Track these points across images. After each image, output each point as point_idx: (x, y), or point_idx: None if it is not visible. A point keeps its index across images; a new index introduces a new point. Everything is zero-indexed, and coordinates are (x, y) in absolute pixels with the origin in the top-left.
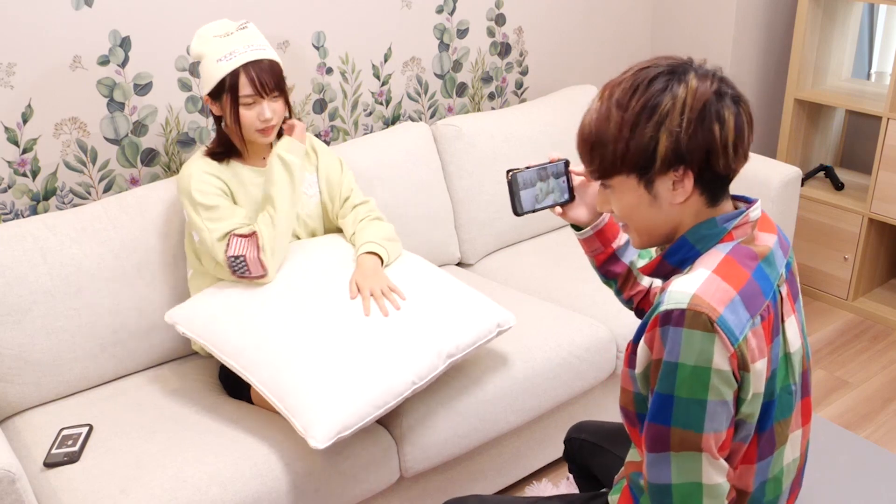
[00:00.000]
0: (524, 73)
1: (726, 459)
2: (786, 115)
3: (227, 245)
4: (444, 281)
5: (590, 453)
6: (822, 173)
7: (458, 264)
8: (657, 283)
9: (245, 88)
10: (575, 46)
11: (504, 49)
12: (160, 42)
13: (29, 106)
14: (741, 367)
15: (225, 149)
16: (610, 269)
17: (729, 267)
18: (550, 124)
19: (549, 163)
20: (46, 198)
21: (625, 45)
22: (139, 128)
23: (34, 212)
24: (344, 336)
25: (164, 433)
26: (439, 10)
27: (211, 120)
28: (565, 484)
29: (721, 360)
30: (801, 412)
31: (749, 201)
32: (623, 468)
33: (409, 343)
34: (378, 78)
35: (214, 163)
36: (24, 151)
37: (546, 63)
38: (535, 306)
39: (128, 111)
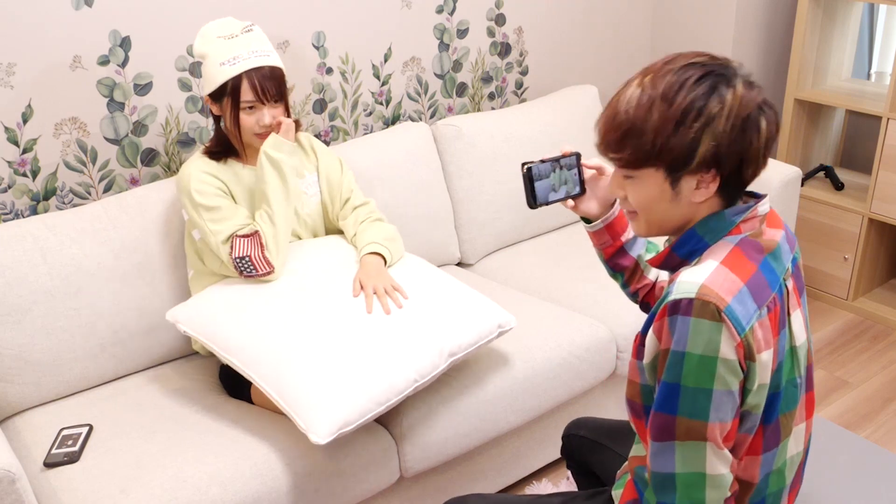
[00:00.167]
0: (524, 73)
1: (731, 451)
2: (786, 115)
3: (231, 247)
4: (446, 282)
5: (588, 450)
6: (822, 173)
7: (458, 264)
8: (663, 277)
9: (246, 94)
10: (575, 46)
11: (504, 49)
12: (160, 42)
13: (29, 106)
14: (747, 356)
15: (223, 148)
16: (618, 263)
17: (736, 259)
18: (550, 124)
19: (563, 156)
20: (46, 198)
21: (625, 45)
22: (139, 128)
23: (34, 212)
24: (346, 333)
25: (164, 433)
26: (439, 10)
27: (210, 120)
28: (565, 484)
29: (728, 350)
30: (805, 406)
31: (758, 196)
32: (626, 463)
33: (411, 341)
34: (378, 78)
35: (213, 162)
36: (24, 151)
37: (546, 63)
38: (535, 306)
39: (128, 111)
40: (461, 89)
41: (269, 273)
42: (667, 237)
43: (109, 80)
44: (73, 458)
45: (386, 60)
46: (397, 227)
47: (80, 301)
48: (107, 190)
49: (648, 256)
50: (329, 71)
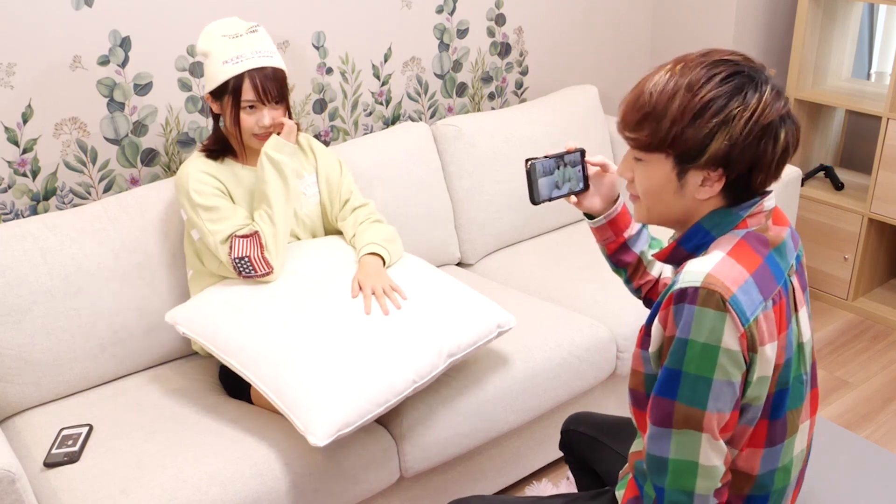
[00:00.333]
0: (524, 73)
1: (730, 441)
2: None
3: (230, 247)
4: (445, 282)
5: (587, 447)
6: (822, 173)
7: (458, 264)
8: (667, 273)
9: (248, 94)
10: (575, 46)
11: (504, 49)
12: (160, 42)
13: (29, 106)
14: (750, 348)
15: (221, 146)
16: (621, 259)
17: (742, 251)
18: (550, 124)
19: (567, 152)
20: (46, 198)
21: (625, 45)
22: (139, 128)
23: (34, 212)
24: (345, 334)
25: (164, 433)
26: (439, 10)
27: (210, 119)
28: (565, 484)
29: (731, 340)
30: (810, 403)
31: (763, 192)
32: (627, 463)
33: (410, 342)
34: (378, 78)
35: (211, 162)
36: (24, 151)
37: (546, 63)
38: (535, 306)
39: (128, 111)
40: (461, 89)
41: (267, 274)
42: (672, 234)
43: (109, 80)
44: (73, 458)
45: (386, 60)
46: (397, 228)
47: (80, 301)
48: (107, 190)
49: (652, 252)
50: (329, 71)
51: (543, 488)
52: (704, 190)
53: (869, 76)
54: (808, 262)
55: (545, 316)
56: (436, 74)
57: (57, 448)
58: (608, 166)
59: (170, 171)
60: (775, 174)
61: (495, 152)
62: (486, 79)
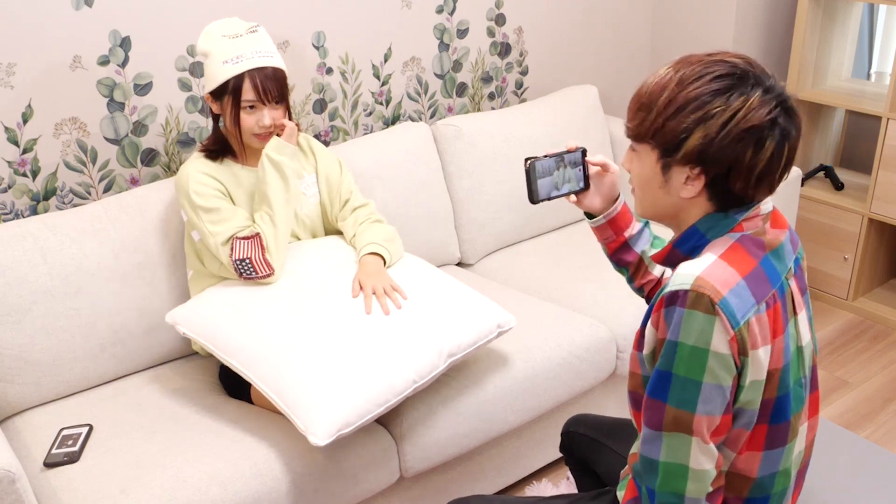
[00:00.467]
0: (524, 73)
1: (727, 444)
2: None
3: (232, 249)
4: (445, 282)
5: (588, 448)
6: (822, 173)
7: (458, 264)
8: (669, 273)
9: (248, 94)
10: (575, 46)
11: (504, 49)
12: (160, 42)
13: (29, 106)
14: (741, 351)
15: (220, 146)
16: (622, 258)
17: (736, 253)
18: (550, 124)
19: (567, 151)
20: (46, 198)
21: (625, 45)
22: (139, 128)
23: (34, 212)
24: (345, 334)
25: (164, 433)
26: (439, 10)
27: (210, 119)
28: (565, 484)
29: (720, 343)
30: (810, 405)
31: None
32: (627, 464)
33: (410, 342)
34: (378, 78)
35: (211, 163)
36: (24, 151)
37: (546, 63)
38: (535, 306)
39: (128, 111)
40: (461, 89)
41: (268, 275)
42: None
43: (109, 80)
44: (73, 458)
45: (386, 60)
46: (397, 228)
47: (80, 301)
48: (107, 190)
49: (653, 252)
50: (329, 71)
51: (543, 488)
52: (688, 189)
53: (869, 76)
54: (809, 262)
55: (545, 316)
56: (436, 74)
57: (57, 448)
58: (609, 166)
59: (170, 171)
60: (760, 185)
61: (495, 152)
62: (486, 79)
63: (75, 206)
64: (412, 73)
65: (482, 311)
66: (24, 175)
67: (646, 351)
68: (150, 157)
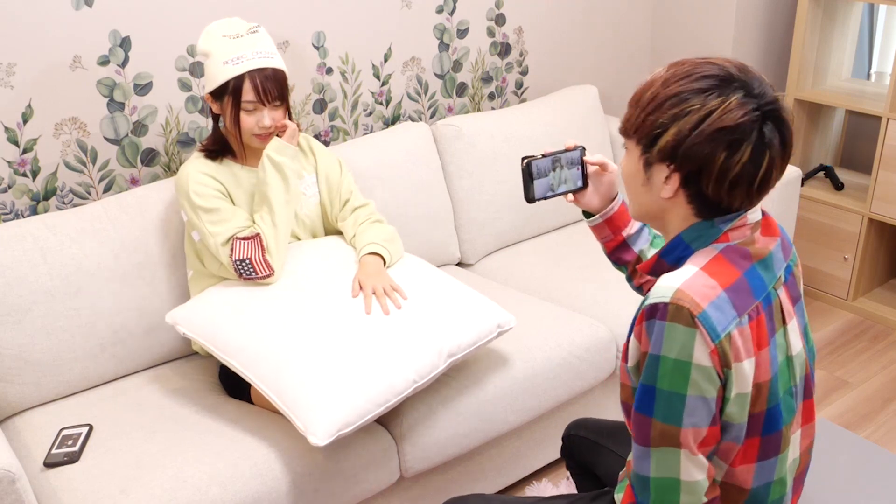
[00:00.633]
0: (524, 73)
1: (719, 455)
2: None
3: (232, 249)
4: (445, 282)
5: (588, 450)
6: (822, 173)
7: (458, 264)
8: None
9: (248, 94)
10: (575, 46)
11: (504, 49)
12: (160, 42)
13: (29, 106)
14: (723, 364)
15: (220, 146)
16: (620, 257)
17: (718, 265)
18: (550, 124)
19: (565, 151)
20: (46, 198)
21: (625, 45)
22: (139, 128)
23: (34, 212)
24: (345, 334)
25: (164, 433)
26: (439, 10)
27: (210, 119)
28: (565, 484)
29: (701, 356)
30: (802, 413)
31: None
32: (626, 467)
33: (410, 342)
34: (378, 78)
35: (211, 163)
36: (24, 151)
37: (546, 63)
38: (535, 306)
39: (128, 111)
40: (461, 89)
41: (268, 276)
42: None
43: (109, 80)
44: (73, 458)
45: (386, 60)
46: (397, 228)
47: (80, 301)
48: (107, 190)
49: (652, 252)
50: (329, 71)
51: (543, 488)
52: (667, 188)
53: (869, 76)
54: (809, 262)
55: (545, 316)
56: (436, 74)
57: (57, 448)
58: (607, 165)
59: (170, 171)
60: (732, 192)
61: (495, 152)
62: (486, 79)
63: (75, 206)
64: (412, 73)
65: (482, 311)
66: (24, 175)
67: (630, 363)
68: (150, 157)
